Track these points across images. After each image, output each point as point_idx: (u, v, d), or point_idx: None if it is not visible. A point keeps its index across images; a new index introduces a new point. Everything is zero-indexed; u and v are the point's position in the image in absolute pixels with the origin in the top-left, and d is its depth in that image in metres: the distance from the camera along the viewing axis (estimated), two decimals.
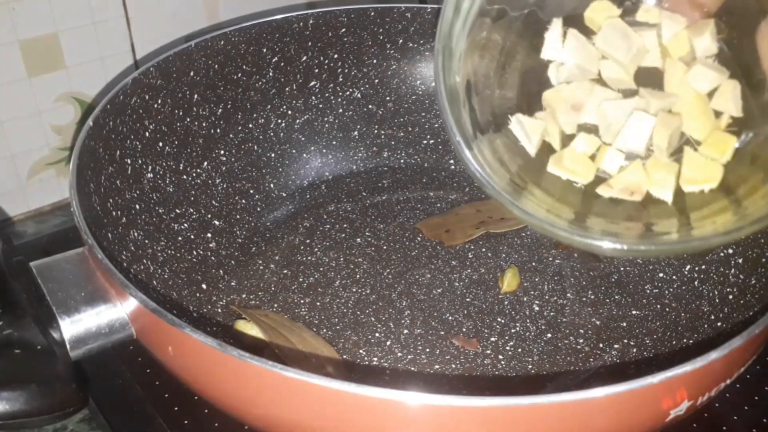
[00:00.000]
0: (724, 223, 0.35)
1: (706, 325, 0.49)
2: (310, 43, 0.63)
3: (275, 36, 0.61)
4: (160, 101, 0.55)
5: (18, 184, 0.64)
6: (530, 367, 0.49)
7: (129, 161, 0.51)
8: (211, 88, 0.59)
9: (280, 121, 0.63)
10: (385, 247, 0.58)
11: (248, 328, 0.50)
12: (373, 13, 0.64)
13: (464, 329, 0.52)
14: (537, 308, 0.54)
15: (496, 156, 0.41)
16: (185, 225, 0.55)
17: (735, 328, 0.46)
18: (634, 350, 0.51)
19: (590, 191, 0.40)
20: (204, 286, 0.53)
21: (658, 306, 0.53)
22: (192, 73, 0.57)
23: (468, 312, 0.53)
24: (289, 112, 0.64)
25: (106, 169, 0.49)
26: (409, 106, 0.67)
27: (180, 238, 0.54)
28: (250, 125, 0.62)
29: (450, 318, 0.53)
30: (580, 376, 0.49)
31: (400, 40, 0.66)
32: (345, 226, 0.60)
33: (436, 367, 0.49)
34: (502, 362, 0.50)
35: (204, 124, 0.58)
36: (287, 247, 0.58)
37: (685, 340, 0.50)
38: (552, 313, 0.53)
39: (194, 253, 0.54)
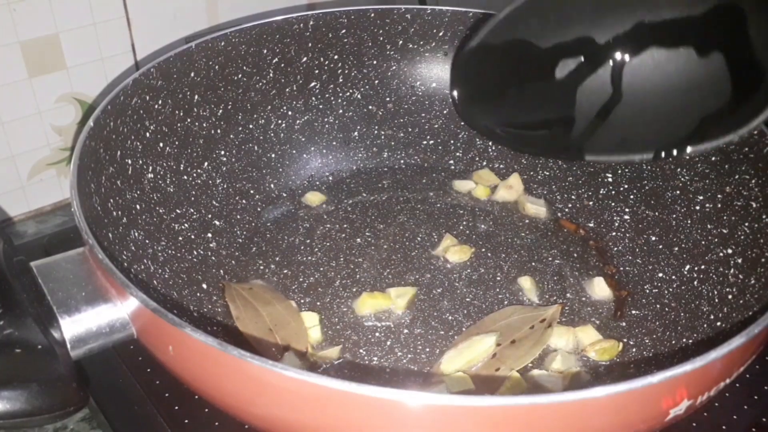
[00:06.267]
0: None
1: (705, 325, 0.49)
2: (310, 44, 0.63)
3: (276, 37, 0.62)
4: (160, 102, 0.55)
5: (19, 184, 0.64)
6: (530, 365, 0.49)
7: (130, 161, 0.51)
8: (212, 89, 0.59)
9: (280, 121, 0.64)
10: (385, 247, 0.59)
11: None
12: (373, 15, 0.64)
13: (464, 329, 0.52)
14: None
15: None
16: (186, 225, 0.55)
17: (734, 327, 0.46)
18: (634, 350, 0.51)
19: None
20: (204, 285, 0.53)
21: (658, 306, 0.53)
22: (192, 74, 0.57)
23: (468, 312, 0.53)
24: (290, 112, 0.64)
25: (107, 170, 0.49)
26: (409, 106, 0.67)
27: (180, 238, 0.54)
28: (251, 126, 0.62)
29: (450, 318, 0.53)
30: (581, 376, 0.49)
31: (400, 41, 0.66)
32: (345, 226, 0.61)
33: None
34: None
35: (204, 125, 0.58)
36: (287, 247, 0.58)
37: (684, 340, 0.50)
38: None
39: (195, 253, 0.54)
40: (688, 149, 0.48)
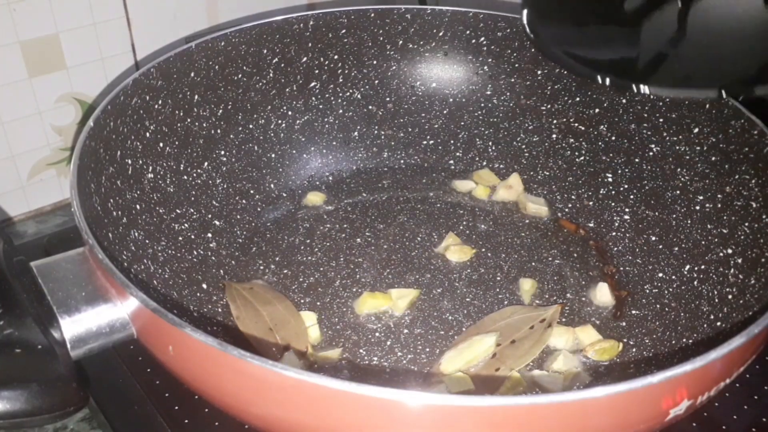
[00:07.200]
0: None
1: (705, 325, 0.49)
2: (310, 44, 0.63)
3: (275, 37, 0.62)
4: (160, 102, 0.55)
5: (19, 184, 0.64)
6: (530, 365, 0.49)
7: (130, 161, 0.52)
8: (212, 89, 0.59)
9: (280, 121, 0.64)
10: (385, 247, 0.59)
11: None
12: (373, 15, 0.64)
13: (464, 329, 0.52)
14: None
15: None
16: (186, 225, 0.55)
17: (734, 328, 0.46)
18: (634, 350, 0.51)
19: None
20: (204, 285, 0.53)
21: (658, 306, 0.53)
22: (192, 74, 0.57)
23: (468, 312, 0.53)
24: (290, 112, 0.64)
25: (107, 170, 0.49)
26: (409, 106, 0.67)
27: (180, 238, 0.54)
28: (251, 126, 0.62)
29: (450, 318, 0.53)
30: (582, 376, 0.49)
31: (400, 41, 0.66)
32: (345, 226, 0.61)
33: None
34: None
35: (204, 125, 0.58)
36: (287, 247, 0.58)
37: (684, 340, 0.50)
38: None
39: (195, 253, 0.54)
40: (756, 90, 0.49)
